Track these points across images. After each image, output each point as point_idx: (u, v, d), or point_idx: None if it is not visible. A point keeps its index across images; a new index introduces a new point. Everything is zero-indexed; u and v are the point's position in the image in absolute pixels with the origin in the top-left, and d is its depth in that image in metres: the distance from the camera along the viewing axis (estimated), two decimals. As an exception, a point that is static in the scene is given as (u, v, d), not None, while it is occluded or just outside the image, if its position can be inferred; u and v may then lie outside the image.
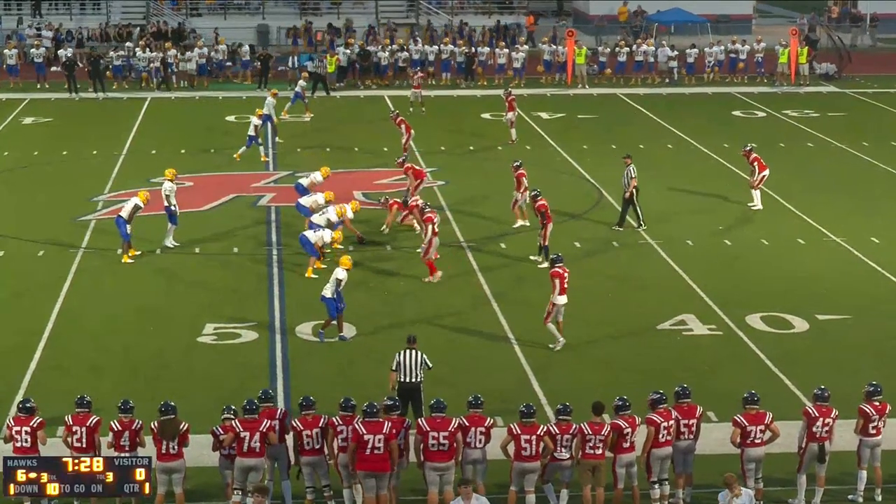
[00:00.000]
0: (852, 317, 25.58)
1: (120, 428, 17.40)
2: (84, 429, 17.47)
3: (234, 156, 38.18)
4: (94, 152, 39.88)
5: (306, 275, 27.33)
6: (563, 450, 17.50)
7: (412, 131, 37.91)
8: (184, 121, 45.36)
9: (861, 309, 25.99)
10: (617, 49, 54.23)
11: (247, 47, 53.52)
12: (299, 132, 42.97)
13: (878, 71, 57.35)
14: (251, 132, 37.87)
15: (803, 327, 25.03)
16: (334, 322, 23.98)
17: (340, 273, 24.00)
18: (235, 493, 17.40)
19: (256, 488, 16.37)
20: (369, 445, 17.16)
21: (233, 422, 17.40)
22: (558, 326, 23.67)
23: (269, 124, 40.25)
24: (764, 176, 33.00)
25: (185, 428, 17.36)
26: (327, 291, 23.83)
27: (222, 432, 17.44)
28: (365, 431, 17.19)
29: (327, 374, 22.51)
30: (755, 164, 33.07)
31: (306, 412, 17.66)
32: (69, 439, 17.60)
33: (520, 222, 30.97)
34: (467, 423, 17.54)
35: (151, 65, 51.05)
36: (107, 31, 58.78)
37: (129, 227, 28.23)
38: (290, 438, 17.84)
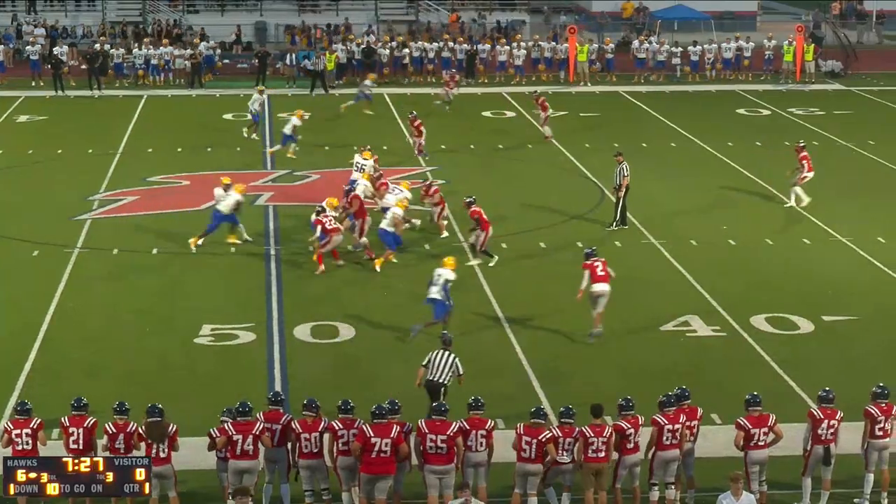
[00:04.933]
0: (858, 317, 25.29)
1: (115, 430, 17.19)
2: (81, 430, 17.30)
3: (268, 151, 38.34)
4: (90, 151, 39.57)
5: (376, 267, 27.24)
6: (565, 453, 17.27)
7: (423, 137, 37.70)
8: (180, 119, 45.04)
9: (867, 309, 25.71)
10: (607, 47, 53.77)
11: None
12: (298, 130, 42.52)
13: (885, 68, 57.07)
14: (287, 130, 37.65)
15: (809, 328, 24.75)
16: (440, 323, 23.30)
17: (449, 275, 23.45)
18: (232, 497, 17.08)
19: (237, 490, 15.97)
20: (375, 448, 16.89)
21: (226, 424, 17.14)
22: (597, 316, 23.60)
23: (266, 121, 39.90)
24: (806, 177, 32.64)
25: (173, 430, 17.08)
26: (436, 294, 23.20)
27: (218, 434, 17.21)
28: (372, 434, 16.90)
29: (326, 375, 22.25)
30: (804, 162, 32.71)
31: (306, 414, 17.39)
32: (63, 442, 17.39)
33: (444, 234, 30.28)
34: (468, 427, 17.28)
35: (185, 62, 50.96)
36: (103, 28, 58.49)
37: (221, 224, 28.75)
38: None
